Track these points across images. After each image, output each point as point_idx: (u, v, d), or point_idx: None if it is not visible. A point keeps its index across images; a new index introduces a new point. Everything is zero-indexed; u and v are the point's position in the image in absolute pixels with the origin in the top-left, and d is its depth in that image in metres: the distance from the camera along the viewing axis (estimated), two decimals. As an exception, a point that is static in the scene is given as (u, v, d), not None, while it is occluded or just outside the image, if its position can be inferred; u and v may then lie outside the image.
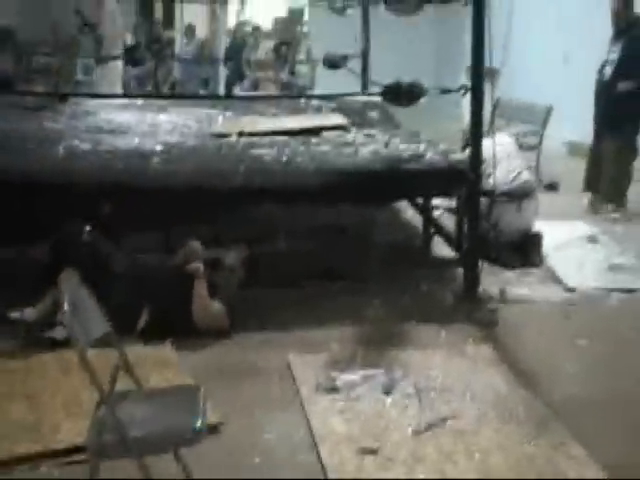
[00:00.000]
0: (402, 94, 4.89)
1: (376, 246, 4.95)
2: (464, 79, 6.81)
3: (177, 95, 8.15)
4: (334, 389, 3.44)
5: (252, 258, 4.31)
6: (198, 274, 3.98)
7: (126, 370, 2.63)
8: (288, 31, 11.13)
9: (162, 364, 3.54)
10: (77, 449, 2.86)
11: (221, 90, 10.47)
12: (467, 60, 4.82)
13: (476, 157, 4.59)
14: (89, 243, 3.92)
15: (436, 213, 5.58)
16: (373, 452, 2.99)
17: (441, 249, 5.21)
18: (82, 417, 3.03)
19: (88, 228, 3.99)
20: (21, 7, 10.83)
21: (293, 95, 8.54)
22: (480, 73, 4.60)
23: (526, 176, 5.42)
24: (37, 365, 3.53)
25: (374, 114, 6.46)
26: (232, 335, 3.97)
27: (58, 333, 3.74)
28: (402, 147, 5.08)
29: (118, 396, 2.52)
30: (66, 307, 2.39)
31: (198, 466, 2.67)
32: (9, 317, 3.86)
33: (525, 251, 5.15)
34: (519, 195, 5.27)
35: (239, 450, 3.01)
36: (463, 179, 4.63)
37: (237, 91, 10.04)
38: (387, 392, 3.44)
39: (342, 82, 7.40)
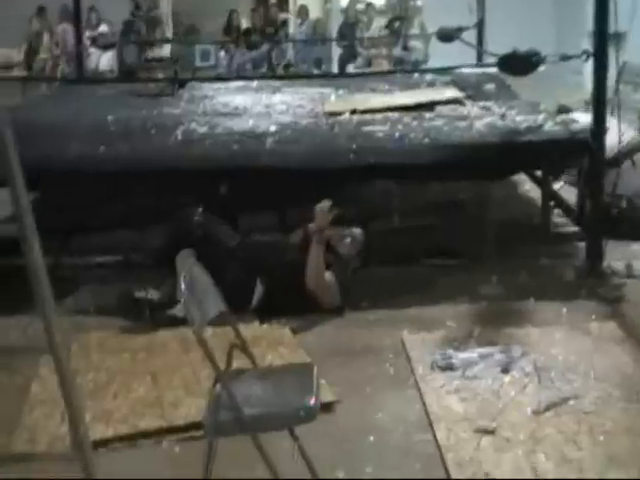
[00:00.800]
0: (519, 63, 4.73)
1: (493, 222, 4.81)
2: (586, 45, 6.52)
3: (291, 75, 8.19)
4: (450, 367, 3.39)
5: (367, 240, 4.27)
6: (318, 238, 3.95)
7: (242, 348, 2.67)
8: (401, 6, 10.94)
9: (277, 342, 3.59)
10: (197, 425, 2.94)
11: (334, 69, 10.45)
12: (590, 24, 4.60)
13: (599, 126, 4.39)
14: (202, 223, 3.99)
15: (556, 186, 5.38)
16: (491, 432, 2.92)
17: (561, 224, 5.01)
18: (201, 395, 3.13)
19: (200, 209, 4.06)
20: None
21: (407, 70, 8.41)
22: (604, 36, 4.38)
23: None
24: (158, 343, 3.66)
25: (490, 86, 6.28)
26: (345, 314, 3.97)
27: (179, 310, 3.85)
28: (519, 119, 4.91)
29: (234, 374, 2.56)
30: (182, 287, 2.44)
31: (313, 445, 2.66)
32: (135, 297, 4.01)
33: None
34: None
35: (354, 429, 3.00)
36: (585, 149, 4.44)
37: (350, 69, 9.99)
38: (505, 371, 3.35)
39: (456, 55, 7.23)
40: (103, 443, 2.80)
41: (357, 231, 4.24)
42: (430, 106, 5.40)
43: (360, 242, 4.20)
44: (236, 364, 2.62)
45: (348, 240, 4.18)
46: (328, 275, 3.98)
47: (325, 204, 4.07)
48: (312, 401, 2.42)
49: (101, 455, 2.67)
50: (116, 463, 2.76)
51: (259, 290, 3.93)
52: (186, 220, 4.01)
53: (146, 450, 2.89)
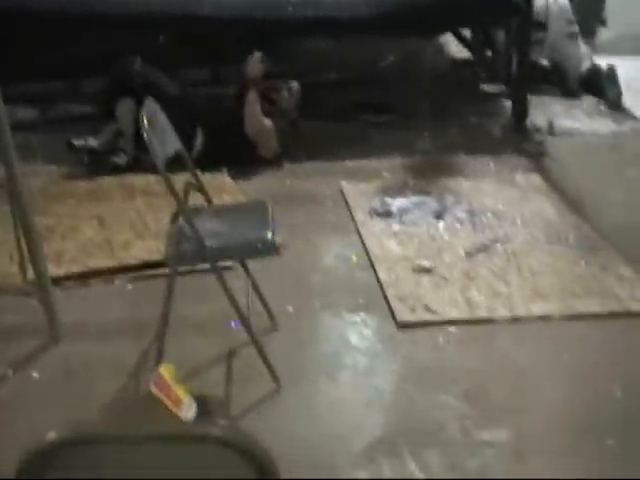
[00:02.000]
0: None
1: (425, 80, 4.90)
2: None
3: None
4: (388, 213, 3.54)
5: (304, 93, 4.29)
6: (253, 86, 3.99)
7: (198, 188, 2.72)
8: None
9: (220, 189, 3.64)
10: (148, 265, 3.02)
11: None
12: None
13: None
14: (141, 72, 3.92)
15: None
16: (428, 271, 3.12)
17: (488, 84, 5.15)
18: (150, 237, 3.20)
19: (139, 59, 3.98)
20: None
21: None
22: None
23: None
24: (102, 189, 3.67)
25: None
26: (284, 165, 4.04)
27: (120, 159, 3.85)
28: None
29: (192, 211, 2.62)
30: (145, 124, 2.44)
31: (263, 283, 2.79)
32: (73, 144, 3.96)
33: (597, 85, 5.05)
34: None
35: (300, 268, 3.15)
36: (514, 9, 4.51)
37: None
38: (439, 217, 3.53)
39: None
40: (55, 282, 2.85)
41: (294, 84, 4.25)
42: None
43: (297, 94, 4.22)
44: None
45: (285, 92, 4.20)
46: (267, 122, 4.02)
47: (257, 54, 4.08)
48: (269, 235, 2.52)
49: (55, 294, 2.71)
50: (70, 300, 2.82)
51: (199, 138, 3.93)
52: (126, 69, 3.92)
53: (98, 289, 2.96)
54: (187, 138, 3.89)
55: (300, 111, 4.23)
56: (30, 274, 2.66)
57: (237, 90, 4.20)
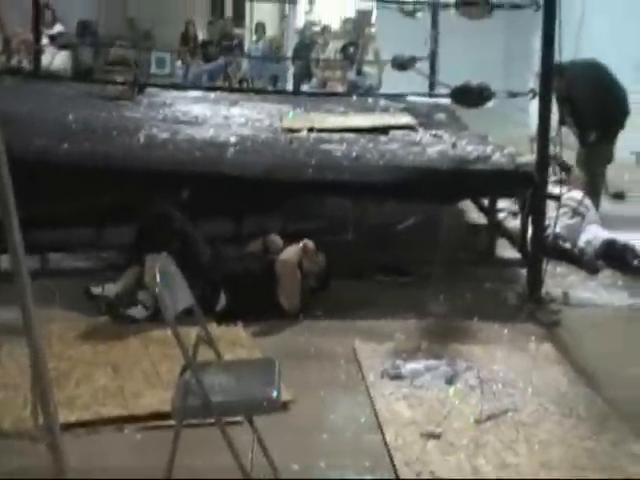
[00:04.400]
0: (470, 96, 5.00)
1: (441, 244, 5.04)
2: (532, 84, 6.85)
3: (250, 89, 8.35)
4: (399, 376, 3.57)
5: (328, 267, 4.42)
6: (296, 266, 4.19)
7: (208, 342, 2.79)
8: (356, 32, 11.25)
9: (234, 343, 3.71)
10: (157, 416, 3.05)
11: (289, 88, 10.65)
12: (535, 64, 4.87)
13: (543, 160, 4.66)
14: (180, 229, 4.08)
15: (500, 215, 5.65)
16: (436, 437, 3.10)
17: (505, 251, 5.28)
18: (161, 387, 3.25)
19: (178, 214, 4.15)
20: (100, 2, 11.26)
21: (363, 93, 8.67)
22: (549, 77, 4.66)
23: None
24: (118, 337, 3.75)
25: (441, 116, 6.55)
26: (300, 321, 4.12)
27: (138, 312, 3.96)
28: (469, 148, 5.17)
29: (200, 365, 2.68)
30: (158, 278, 2.56)
31: (269, 439, 2.79)
32: (91, 292, 4.07)
33: (620, 259, 5.19)
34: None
35: (308, 427, 3.16)
36: (529, 181, 4.70)
37: (305, 89, 10.20)
38: (450, 382, 3.54)
39: (409, 84, 7.51)
40: (66, 428, 2.86)
41: (320, 256, 4.38)
42: (384, 130, 5.63)
43: (322, 263, 4.35)
44: (199, 359, 2.73)
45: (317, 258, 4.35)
46: (297, 272, 4.18)
47: (275, 237, 4.39)
48: (274, 393, 2.56)
49: (65, 439, 2.73)
50: (80, 447, 2.83)
51: (222, 299, 4.04)
52: (162, 222, 4.09)
53: (108, 436, 2.99)
54: (211, 297, 4.02)
55: (322, 281, 4.34)
56: (42, 419, 2.69)
57: (259, 250, 4.37)
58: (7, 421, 2.96)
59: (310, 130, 5.46)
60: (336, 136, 5.34)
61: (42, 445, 2.67)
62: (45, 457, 2.65)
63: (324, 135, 5.36)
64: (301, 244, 4.25)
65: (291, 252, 4.19)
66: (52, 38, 9.58)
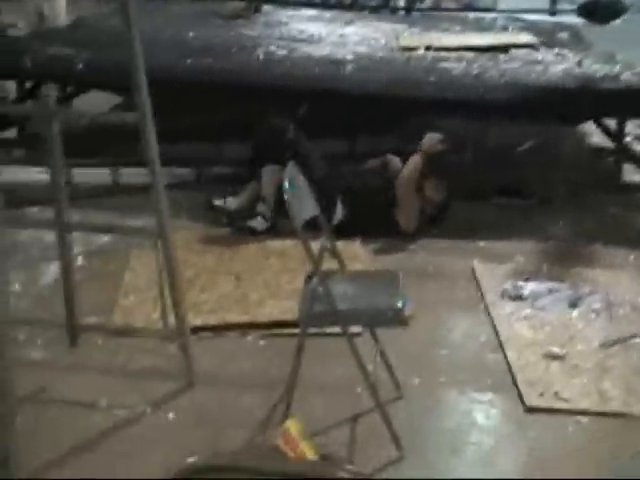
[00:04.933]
0: (601, 10, 4.72)
1: (563, 167, 4.86)
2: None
3: (370, 7, 8.18)
4: (520, 297, 3.49)
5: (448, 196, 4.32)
6: (424, 155, 4.16)
7: (332, 252, 2.80)
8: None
9: (352, 258, 3.68)
10: (279, 324, 3.11)
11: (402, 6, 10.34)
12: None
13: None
14: (293, 141, 4.07)
15: (626, 139, 5.39)
16: (559, 358, 3.04)
17: (631, 176, 5.04)
18: (282, 297, 3.30)
19: (292, 126, 4.13)
20: None
21: (483, 9, 8.34)
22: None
23: None
24: (240, 248, 3.82)
25: (565, 35, 6.24)
26: (418, 240, 4.08)
27: (258, 224, 4.01)
28: (595, 67, 4.91)
29: (325, 274, 2.69)
30: (287, 187, 2.56)
31: (390, 352, 2.80)
32: (213, 205, 4.15)
33: None
34: None
35: (428, 342, 3.15)
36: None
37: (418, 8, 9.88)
38: (573, 305, 3.45)
39: (528, 2, 7.16)
40: (192, 331, 2.96)
41: (442, 185, 4.30)
42: (504, 49, 5.40)
43: (443, 194, 4.27)
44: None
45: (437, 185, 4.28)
46: (415, 199, 4.09)
47: (435, 135, 4.25)
48: (399, 303, 2.55)
49: (191, 341, 2.83)
50: (205, 350, 2.93)
51: (339, 211, 4.03)
52: (276, 135, 4.08)
53: (232, 341, 3.07)
54: (328, 210, 4.03)
55: (440, 211, 4.27)
56: (171, 321, 2.79)
57: (378, 166, 4.32)
58: (139, 322, 3.09)
59: (427, 48, 5.30)
60: (454, 54, 5.17)
61: (172, 345, 2.80)
62: (174, 357, 2.78)
63: (442, 53, 5.20)
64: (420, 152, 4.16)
65: (412, 170, 4.11)
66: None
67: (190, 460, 1.05)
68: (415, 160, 4.15)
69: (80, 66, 4.61)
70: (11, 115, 4.81)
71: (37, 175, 4.05)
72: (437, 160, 4.20)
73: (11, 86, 5.14)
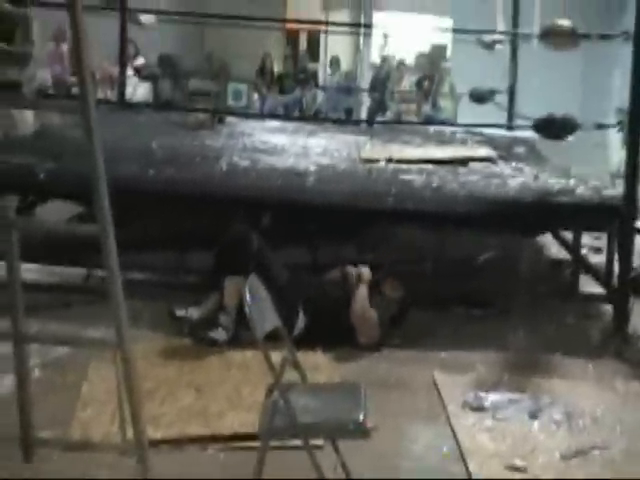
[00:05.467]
0: (555, 127, 4.94)
1: (522, 277, 4.97)
2: (612, 120, 6.72)
3: (327, 119, 8.46)
4: (481, 408, 3.50)
5: (406, 295, 4.40)
6: (363, 279, 4.18)
7: (294, 363, 2.80)
8: (431, 66, 11.28)
9: (314, 368, 3.68)
10: (240, 437, 3.07)
11: (364, 118, 10.73)
12: (615, 100, 4.78)
13: (631, 193, 4.56)
14: (256, 251, 4.11)
15: (582, 251, 5.54)
16: (521, 470, 3.03)
17: (588, 286, 5.15)
18: (243, 409, 3.27)
19: (255, 236, 4.18)
20: (179, 37, 11.59)
21: (440, 122, 8.66)
22: (638, 105, 4.56)
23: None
24: (201, 359, 3.80)
25: (521, 149, 6.49)
26: (380, 350, 4.10)
27: (219, 335, 4.00)
28: (552, 181, 5.09)
29: (286, 386, 2.68)
30: (248, 298, 2.58)
31: (351, 464, 2.78)
32: (175, 315, 4.14)
33: None
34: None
35: (389, 454, 3.12)
36: (616, 215, 4.60)
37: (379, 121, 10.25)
38: (534, 416, 3.46)
39: (484, 118, 7.47)
40: (151, 445, 2.89)
41: (398, 285, 4.37)
42: (464, 162, 5.59)
43: (401, 292, 4.33)
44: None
45: (392, 285, 4.34)
46: (372, 312, 4.13)
47: (367, 270, 4.32)
48: (361, 416, 2.54)
49: (150, 456, 2.76)
50: (165, 464, 2.86)
51: (301, 321, 4.05)
52: (240, 245, 4.12)
53: (192, 455, 3.01)
54: (289, 320, 4.04)
55: (400, 309, 4.31)
56: (129, 434, 2.74)
57: (338, 276, 4.36)
58: (96, 435, 3.02)
59: (388, 161, 5.46)
60: (415, 167, 5.33)
61: (130, 459, 2.73)
62: (133, 471, 2.70)
63: (403, 166, 5.35)
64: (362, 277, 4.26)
65: (361, 301, 4.16)
66: (137, 70, 9.87)
67: None
68: (361, 291, 4.20)
69: (42, 176, 4.65)
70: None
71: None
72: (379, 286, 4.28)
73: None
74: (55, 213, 5.22)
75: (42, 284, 4.56)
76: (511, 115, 7.48)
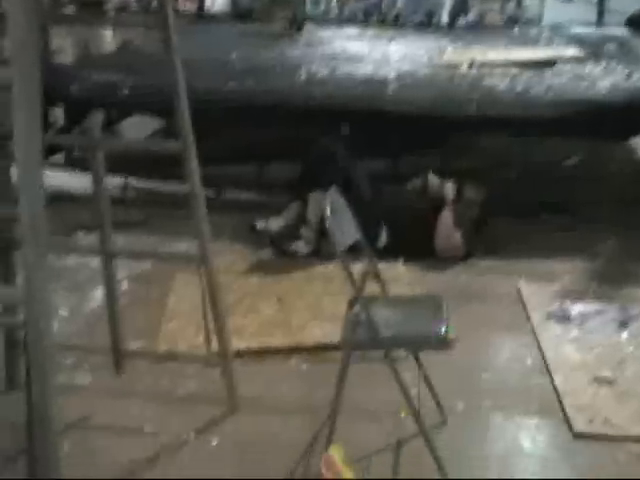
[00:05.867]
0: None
1: (610, 183, 4.77)
2: None
3: (412, 23, 8.18)
4: (567, 318, 3.43)
5: (487, 198, 4.29)
6: (448, 203, 4.10)
7: (375, 276, 2.78)
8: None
9: (396, 280, 3.66)
10: (322, 347, 3.11)
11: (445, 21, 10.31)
12: None
13: None
14: (345, 167, 4.07)
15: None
16: (609, 382, 2.97)
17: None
18: (325, 320, 3.29)
19: (342, 149, 4.13)
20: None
21: (527, 23, 8.26)
22: None
23: None
24: (283, 270, 3.84)
25: (612, 47, 6.14)
26: (462, 260, 4.04)
27: (301, 247, 4.02)
28: (646, 80, 4.82)
29: (368, 299, 2.67)
30: (328, 213, 2.56)
31: (433, 375, 2.77)
32: (256, 227, 4.17)
33: None
34: None
35: (472, 365, 3.11)
36: None
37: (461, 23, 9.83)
38: (622, 326, 3.38)
39: (573, 14, 7.08)
40: (235, 355, 2.95)
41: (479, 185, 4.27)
42: (550, 63, 5.34)
43: (482, 194, 4.23)
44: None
45: (471, 188, 4.25)
46: (457, 236, 4.08)
47: (434, 178, 4.25)
48: (443, 329, 2.52)
49: (234, 366, 2.83)
50: (248, 374, 2.92)
51: (382, 235, 4.02)
52: (329, 158, 4.09)
53: (275, 365, 3.07)
54: (371, 234, 4.02)
55: (482, 212, 4.22)
56: (214, 346, 2.80)
57: (421, 187, 4.29)
58: (183, 346, 3.11)
59: (471, 65, 5.27)
60: (498, 70, 5.13)
61: (215, 370, 2.81)
62: (218, 382, 2.79)
63: (486, 69, 5.16)
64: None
65: (446, 219, 4.09)
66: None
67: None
68: (445, 215, 4.12)
69: (125, 91, 4.70)
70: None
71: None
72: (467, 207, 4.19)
73: (59, 112, 5.25)
74: (136, 127, 5.28)
75: (126, 199, 4.66)
76: (601, 11, 7.05)
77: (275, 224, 4.15)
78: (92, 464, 2.49)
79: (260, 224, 4.17)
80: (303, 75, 4.95)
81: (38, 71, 1.81)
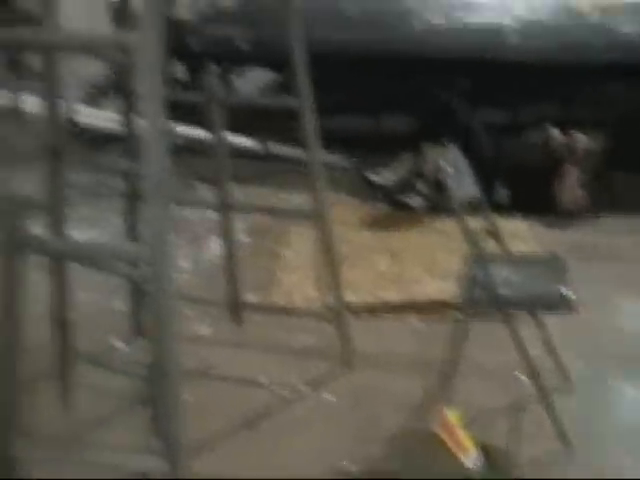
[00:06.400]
0: None
1: None
2: None
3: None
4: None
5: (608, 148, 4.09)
6: (574, 157, 3.94)
7: (493, 233, 2.70)
8: None
9: (514, 236, 3.53)
10: (436, 304, 3.05)
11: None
12: None
13: None
14: (463, 120, 3.97)
15: None
16: None
17: None
18: (439, 276, 3.24)
19: (460, 103, 4.03)
20: None
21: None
22: None
23: None
24: (397, 224, 3.81)
25: None
26: (585, 217, 3.88)
27: (415, 201, 3.95)
28: None
29: (486, 257, 2.59)
30: (448, 168, 2.49)
31: (555, 336, 2.65)
32: (369, 180, 4.13)
33: None
34: None
35: (598, 328, 2.99)
36: None
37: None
38: None
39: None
40: (351, 311, 2.94)
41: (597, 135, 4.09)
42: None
43: (601, 143, 4.05)
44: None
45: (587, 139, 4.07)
46: (583, 197, 3.96)
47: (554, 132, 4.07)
48: (564, 290, 2.42)
49: (350, 321, 2.82)
50: (362, 329, 2.91)
51: (501, 191, 3.91)
52: (448, 112, 4.00)
53: (391, 322, 3.06)
54: (490, 190, 3.91)
55: (602, 162, 4.03)
56: (329, 300, 2.80)
57: (543, 143, 4.13)
58: (298, 300, 3.13)
59: (596, 10, 4.97)
60: (626, 17, 4.82)
61: (330, 324, 2.81)
62: (333, 337, 2.79)
63: (611, 13, 4.86)
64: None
65: (572, 178, 3.95)
66: None
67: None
68: (570, 174, 3.96)
69: (244, 46, 4.72)
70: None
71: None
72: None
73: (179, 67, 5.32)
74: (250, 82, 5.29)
75: (241, 152, 4.70)
76: None
77: (389, 177, 4.10)
78: (209, 413, 2.54)
79: (375, 177, 4.12)
80: (418, 25, 4.82)
81: (164, 31, 1.81)
